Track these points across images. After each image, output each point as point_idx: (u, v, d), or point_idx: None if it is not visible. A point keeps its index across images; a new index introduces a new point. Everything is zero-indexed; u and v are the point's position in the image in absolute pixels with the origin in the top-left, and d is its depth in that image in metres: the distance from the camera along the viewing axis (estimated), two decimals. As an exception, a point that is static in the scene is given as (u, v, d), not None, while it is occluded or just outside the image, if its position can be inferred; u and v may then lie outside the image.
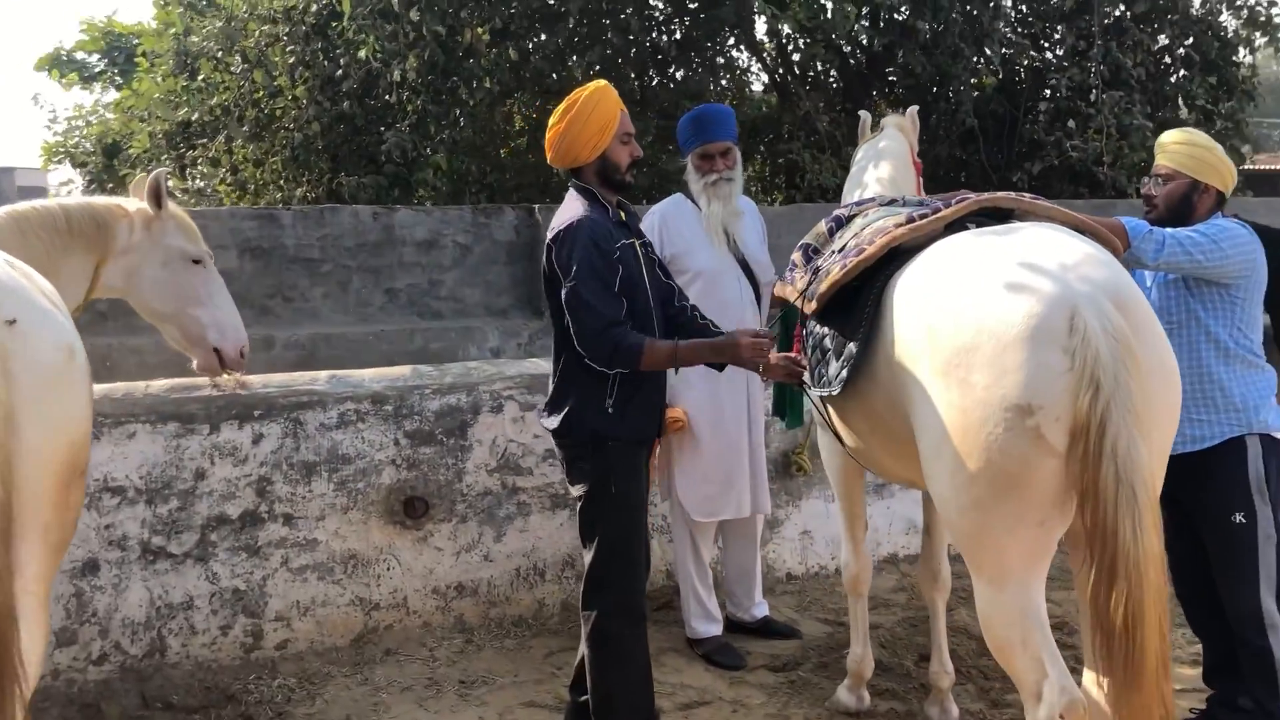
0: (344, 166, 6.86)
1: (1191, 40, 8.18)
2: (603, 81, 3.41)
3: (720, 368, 3.56)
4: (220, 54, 7.52)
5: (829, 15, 6.95)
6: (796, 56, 9.50)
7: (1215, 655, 3.64)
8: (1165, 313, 3.37)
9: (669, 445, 4.31)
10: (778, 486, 5.07)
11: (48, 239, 3.54)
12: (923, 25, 7.10)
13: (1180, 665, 4.18)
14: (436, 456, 4.53)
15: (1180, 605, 3.68)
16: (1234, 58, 8.40)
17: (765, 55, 10.01)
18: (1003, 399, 2.41)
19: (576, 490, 3.38)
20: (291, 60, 6.86)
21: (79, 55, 18.99)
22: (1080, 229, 2.95)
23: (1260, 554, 3.36)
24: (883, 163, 4.08)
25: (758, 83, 10.94)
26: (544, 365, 4.84)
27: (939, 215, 2.96)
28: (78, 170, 15.61)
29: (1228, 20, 8.37)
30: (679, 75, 9.69)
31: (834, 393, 3.05)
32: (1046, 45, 7.95)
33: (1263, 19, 8.31)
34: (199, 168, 8.49)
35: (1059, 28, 8.02)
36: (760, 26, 9.58)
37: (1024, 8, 7.65)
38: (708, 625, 4.46)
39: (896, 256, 2.98)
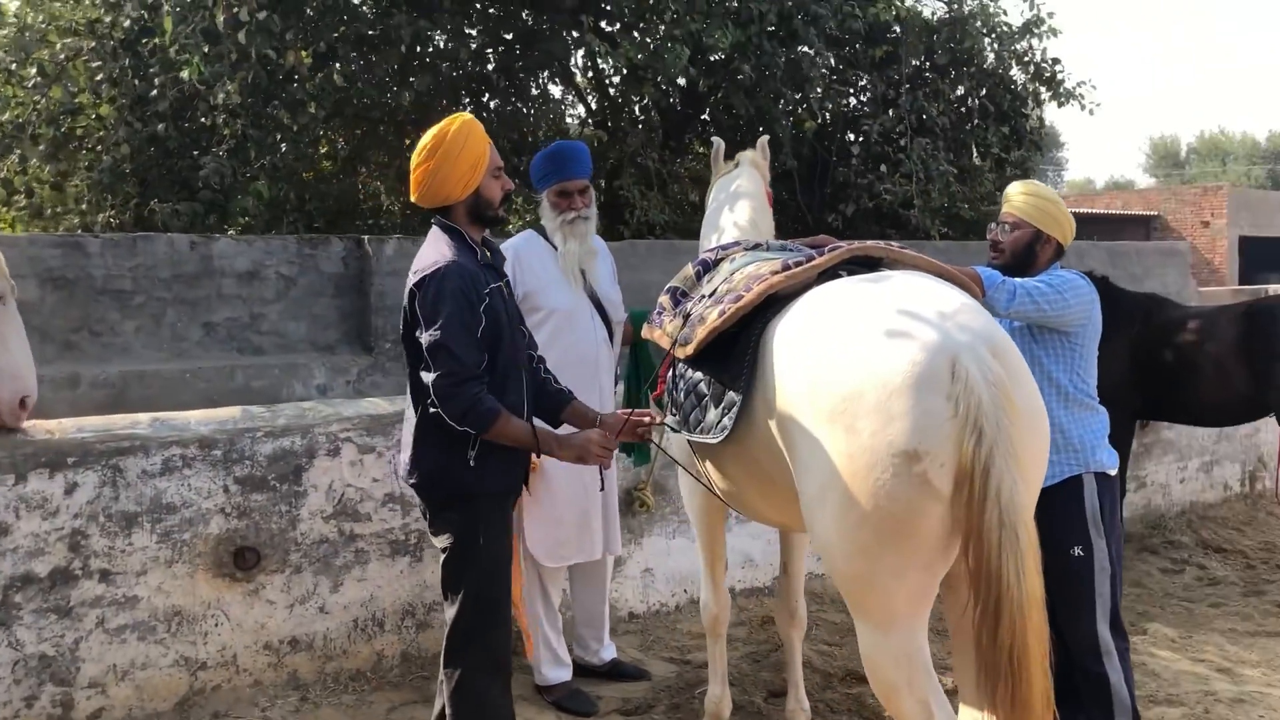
0: (155, 192, 6.39)
1: (985, 92, 8.76)
2: (466, 115, 3.30)
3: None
4: (14, 66, 6.89)
5: (663, 56, 7.05)
6: (612, 92, 9.61)
7: (1054, 682, 3.79)
8: None
9: (518, 489, 4.21)
10: (620, 524, 5.03)
11: None
12: (746, 68, 7.29)
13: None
14: (269, 503, 4.27)
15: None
16: (1024, 109, 9.05)
17: (584, 90, 10.08)
18: (889, 445, 2.44)
19: (440, 541, 3.24)
20: (99, 77, 6.35)
21: None
22: (944, 277, 3.05)
23: (1096, 585, 3.55)
24: (740, 204, 4.12)
25: (571, 117, 10.99)
26: (383, 405, 4.66)
27: (814, 264, 3.01)
28: None
29: (1018, 74, 9.02)
30: (493, 105, 9.61)
31: (715, 440, 3.03)
32: (855, 93, 8.31)
33: (1048, 75, 9.00)
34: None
35: (869, 75, 8.40)
36: (577, 62, 9.65)
37: (833, 57, 7.96)
38: (558, 671, 4.38)
39: (773, 303, 2.99)
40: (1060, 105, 9.11)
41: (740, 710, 4.30)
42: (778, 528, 3.63)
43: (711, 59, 7.05)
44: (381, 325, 5.55)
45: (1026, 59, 9.02)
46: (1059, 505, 3.50)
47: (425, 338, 3.03)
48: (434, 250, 3.18)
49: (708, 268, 3.55)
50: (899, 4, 8.59)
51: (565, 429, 3.41)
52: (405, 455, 3.26)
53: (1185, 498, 7.98)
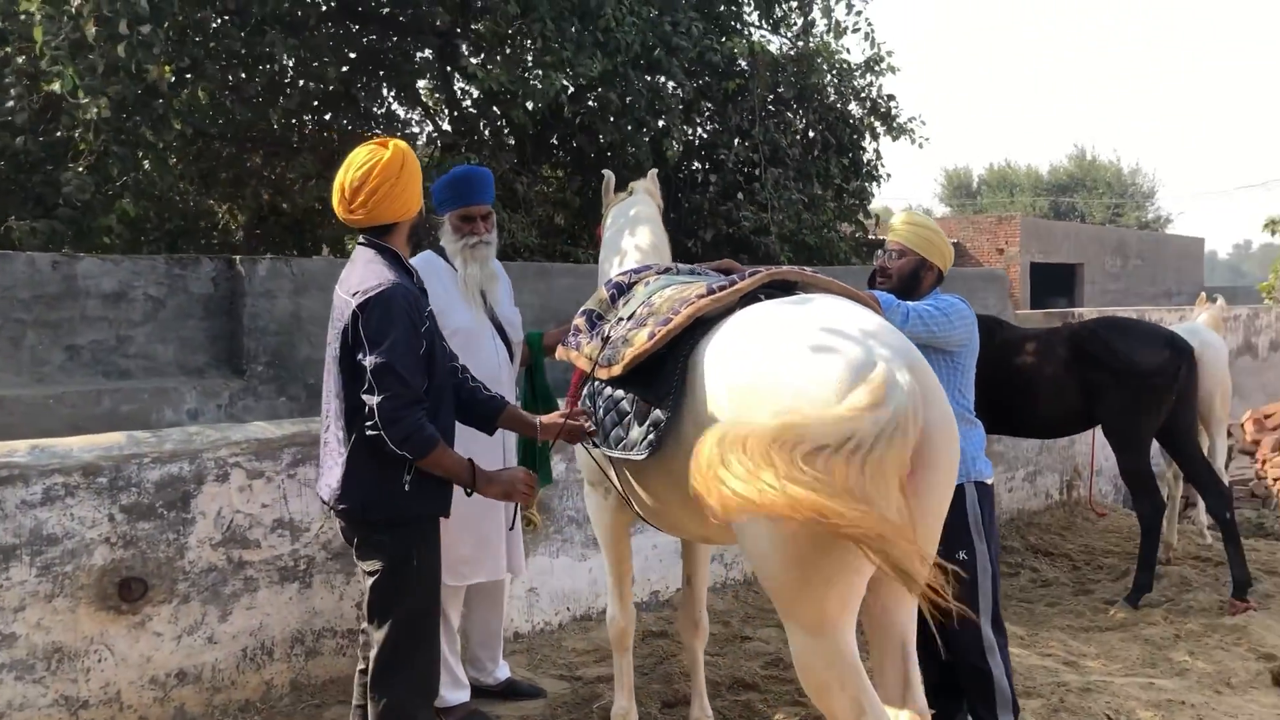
0: (10, 208, 5.99)
1: (826, 125, 9.21)
2: (400, 141, 3.32)
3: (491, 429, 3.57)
4: None
5: (532, 82, 7.15)
6: (464, 113, 9.61)
7: (937, 676, 4.05)
8: None
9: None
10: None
11: None
12: (612, 95, 7.46)
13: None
14: (156, 532, 4.13)
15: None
16: (861, 143, 9.56)
17: (434, 110, 10.06)
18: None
19: (369, 566, 3.20)
20: (-57, 86, 5.95)
21: None
22: (854, 300, 3.25)
23: (980, 586, 3.83)
24: (640, 228, 4.25)
25: (419, 136, 10.92)
26: (271, 429, 4.57)
27: (737, 288, 3.15)
28: None
29: (855, 109, 9.53)
30: (344, 123, 9.46)
31: (639, 457, 3.13)
32: (711, 123, 8.59)
33: (883, 110, 9.54)
34: None
35: (725, 107, 8.72)
36: (429, 82, 9.62)
37: (691, 87, 8.23)
38: (456, 693, 4.37)
39: (699, 325, 3.12)
40: (894, 139, 9.70)
41: (638, 721, 4.38)
42: (698, 540, 3.75)
43: (579, 85, 7.18)
44: (253, 348, 5.41)
45: (864, 95, 9.55)
46: None
47: (370, 360, 3.01)
48: (372, 271, 3.16)
49: (622, 291, 3.66)
50: (751, 40, 8.95)
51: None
52: (332, 480, 3.20)
53: (1013, 505, 8.57)
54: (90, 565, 3.96)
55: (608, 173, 4.62)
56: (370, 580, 3.21)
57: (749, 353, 2.86)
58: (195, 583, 4.23)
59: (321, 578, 4.59)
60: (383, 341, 3.01)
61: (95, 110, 5.26)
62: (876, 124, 9.56)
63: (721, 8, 8.95)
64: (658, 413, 3.08)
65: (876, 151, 9.69)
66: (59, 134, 5.85)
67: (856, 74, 9.63)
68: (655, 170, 4.64)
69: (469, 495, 3.29)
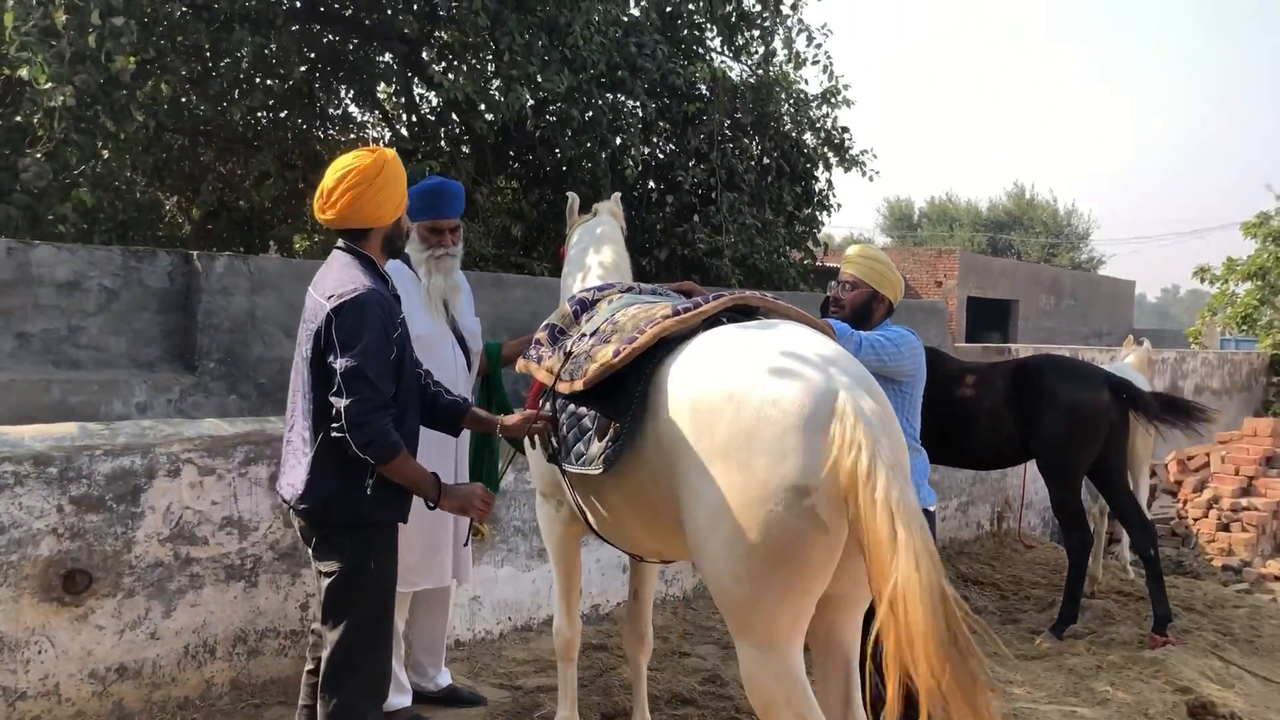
0: None
1: (780, 153, 9.39)
2: (389, 150, 3.37)
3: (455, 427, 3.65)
4: None
5: (495, 95, 7.22)
6: (421, 120, 9.63)
7: (870, 697, 4.15)
8: None
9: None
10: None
11: None
12: (575, 112, 7.54)
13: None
14: (104, 525, 4.11)
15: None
16: (814, 172, 9.75)
17: (392, 115, 10.07)
18: (782, 479, 2.67)
19: (326, 567, 3.23)
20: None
21: None
22: (812, 327, 3.35)
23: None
24: (604, 247, 4.33)
25: (375, 140, 10.89)
26: (224, 427, 4.57)
27: (701, 310, 3.24)
28: None
29: (810, 139, 9.72)
30: (299, 123, 9.43)
31: (596, 471, 3.19)
32: (669, 144, 8.71)
33: (837, 141, 9.75)
34: None
35: (683, 130, 8.84)
36: (388, 86, 9.63)
37: (652, 109, 8.34)
38: (399, 697, 4.38)
39: (662, 345, 3.20)
40: (846, 171, 9.90)
41: (578, 733, 4.44)
42: (650, 556, 3.82)
43: (542, 99, 7.25)
44: (207, 344, 5.39)
45: (819, 125, 9.75)
46: None
47: (341, 363, 3.04)
48: (347, 275, 3.20)
49: (585, 307, 3.73)
50: (713, 65, 9.10)
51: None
52: (294, 479, 3.23)
53: (945, 534, 8.76)
54: (36, 555, 3.93)
55: (572, 195, 4.71)
56: (327, 581, 3.23)
57: (712, 373, 2.93)
58: (141, 577, 4.21)
59: (267, 578, 4.59)
60: (354, 346, 3.05)
61: (61, 98, 5.21)
62: (830, 154, 9.77)
63: (685, 32, 9.10)
64: (617, 427, 3.15)
65: (829, 181, 9.92)
66: (18, 119, 5.79)
67: (813, 104, 9.83)
68: (619, 194, 4.74)
69: (431, 509, 3.33)
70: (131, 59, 5.48)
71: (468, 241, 7.92)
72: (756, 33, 9.66)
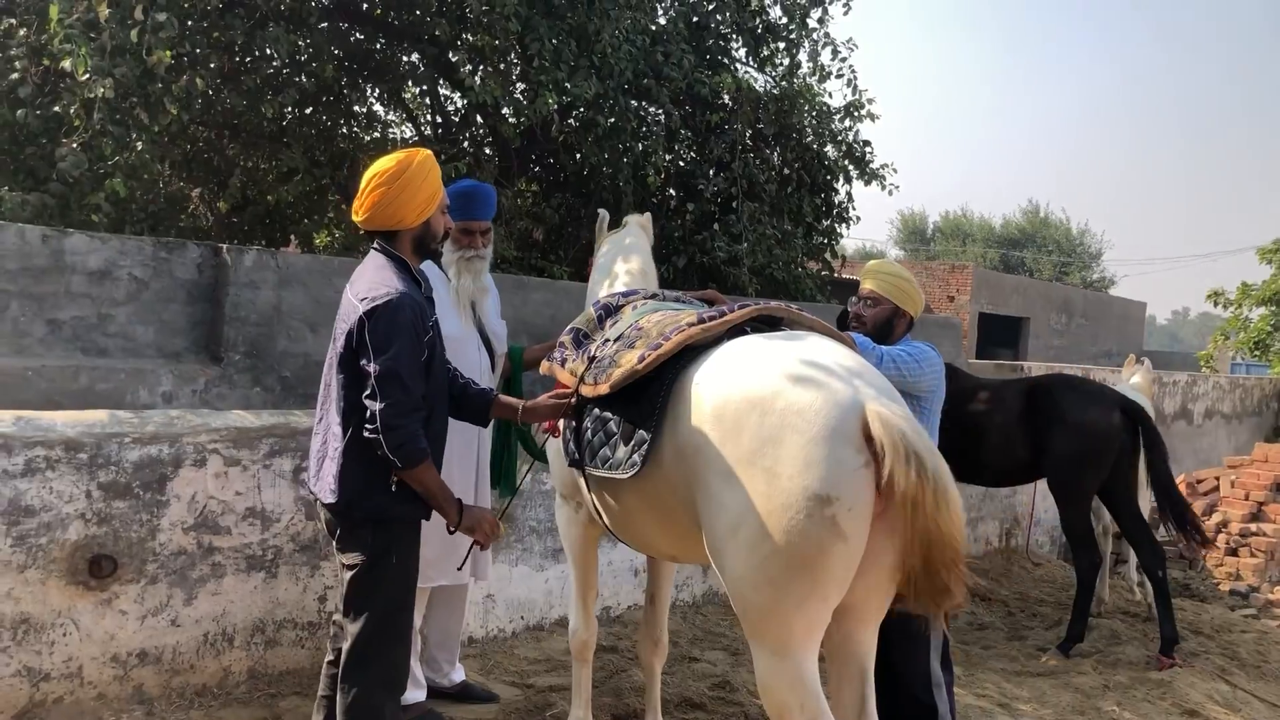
0: (2, 180, 5.94)
1: (801, 165, 9.45)
2: (426, 150, 3.43)
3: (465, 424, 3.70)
4: None
5: (522, 100, 7.29)
6: (449, 121, 9.68)
7: (882, 708, 4.20)
8: None
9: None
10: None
11: None
12: (601, 119, 7.61)
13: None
14: (131, 511, 4.18)
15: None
16: (834, 184, 9.80)
17: (417, 116, 10.15)
18: (805, 489, 2.71)
19: (350, 559, 3.29)
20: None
21: None
22: (835, 339, 3.41)
23: (932, 625, 3.98)
24: (633, 257, 4.40)
25: (395, 138, 10.95)
26: (250, 419, 4.64)
27: (726, 319, 3.29)
28: None
29: (830, 151, 9.77)
30: (324, 119, 9.49)
31: (624, 476, 3.23)
32: (692, 153, 8.76)
33: (858, 154, 9.80)
34: None
35: (706, 139, 8.90)
36: (412, 87, 9.67)
37: (676, 117, 8.39)
38: (414, 692, 4.45)
39: (686, 352, 3.25)
40: (866, 184, 9.96)
41: (589, 734, 4.48)
42: (667, 559, 3.86)
43: (569, 105, 7.30)
44: (233, 336, 5.45)
45: (840, 138, 9.81)
46: None
47: (375, 366, 3.10)
48: (381, 278, 3.26)
49: (610, 312, 3.79)
50: (737, 75, 9.16)
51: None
52: (327, 474, 3.29)
53: (955, 550, 8.76)
54: (64, 540, 4.00)
55: (602, 212, 4.80)
56: (349, 574, 3.29)
57: (737, 382, 2.97)
58: (164, 565, 4.28)
59: (287, 569, 4.66)
60: (387, 350, 3.10)
61: (100, 90, 5.29)
62: (850, 167, 9.82)
63: (711, 42, 9.16)
64: (642, 433, 3.19)
65: (849, 194, 9.97)
66: (56, 109, 5.85)
67: (835, 117, 9.89)
68: (649, 214, 4.82)
69: (451, 533, 3.42)
70: (168, 53, 5.55)
71: (494, 244, 7.99)
72: (782, 45, 9.72)
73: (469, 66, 7.05)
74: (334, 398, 3.30)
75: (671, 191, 9.29)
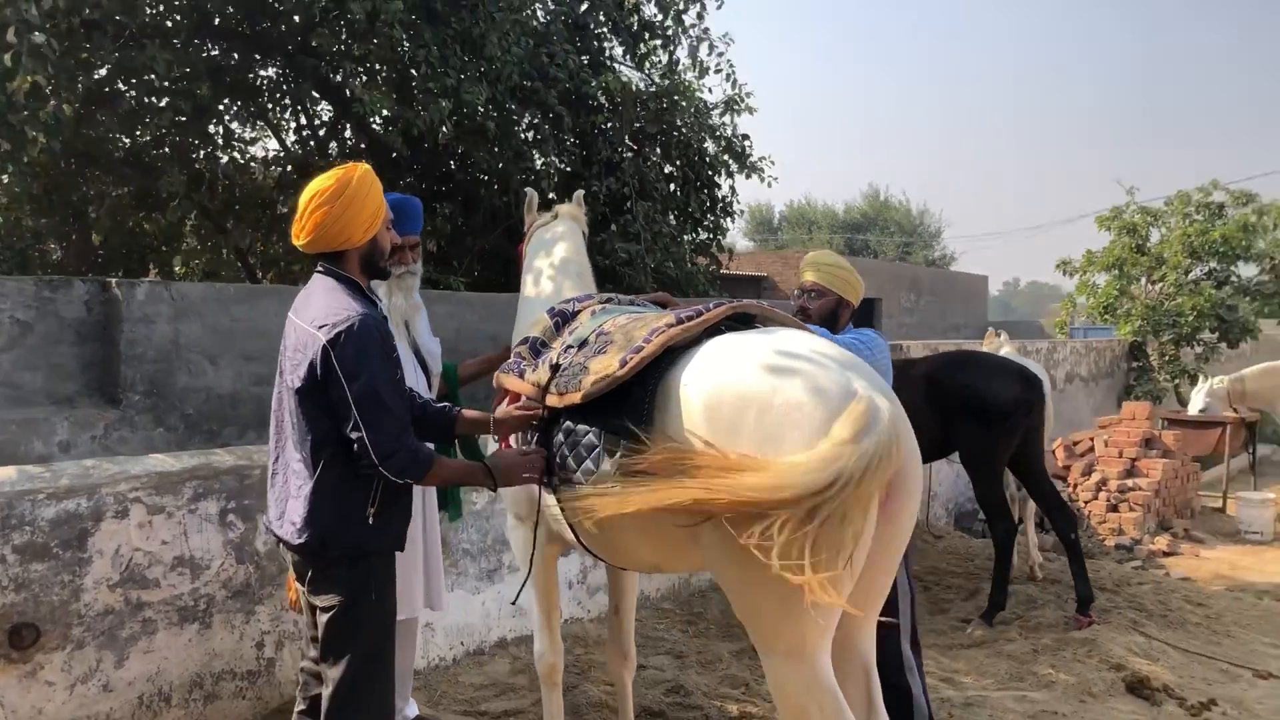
0: None
1: (683, 161, 9.45)
2: (364, 164, 3.25)
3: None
4: None
5: (425, 108, 7.06)
6: (313, 134, 9.35)
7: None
8: None
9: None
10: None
11: None
12: (491, 124, 7.43)
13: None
14: (50, 573, 3.86)
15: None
16: (717, 179, 9.84)
17: (280, 129, 9.73)
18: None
19: (325, 601, 3.10)
20: None
21: None
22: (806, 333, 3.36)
23: (900, 607, 4.01)
24: (566, 257, 4.26)
25: (259, 153, 10.50)
26: (170, 462, 4.35)
27: (704, 318, 3.20)
28: None
29: (711, 146, 9.81)
30: (178, 139, 8.99)
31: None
32: (582, 154, 8.64)
33: (738, 149, 9.87)
34: None
35: (595, 140, 8.81)
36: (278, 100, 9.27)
37: (568, 118, 8.26)
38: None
39: (665, 355, 3.15)
40: (747, 177, 10.04)
41: (558, 753, 4.34)
42: (648, 570, 3.76)
43: (460, 113, 7.09)
44: (130, 376, 5.11)
45: (718, 134, 9.85)
46: None
47: (352, 393, 2.91)
48: (335, 301, 3.07)
49: (566, 318, 3.66)
50: (616, 75, 9.11)
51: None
52: (291, 513, 3.08)
53: (862, 530, 8.91)
54: (-20, 611, 3.67)
55: (530, 191, 4.61)
56: (326, 616, 3.10)
57: (729, 380, 2.87)
58: (91, 627, 3.97)
59: (221, 618, 4.39)
60: (360, 374, 2.93)
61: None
62: (730, 161, 9.88)
63: (590, 43, 9.07)
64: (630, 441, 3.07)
65: (732, 188, 10.03)
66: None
67: (714, 112, 9.93)
68: (581, 192, 4.65)
69: (494, 491, 3.32)
70: (29, 78, 5.14)
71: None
72: (659, 42, 9.71)
73: (356, 79, 6.80)
74: (292, 434, 3.09)
75: (555, 196, 9.19)
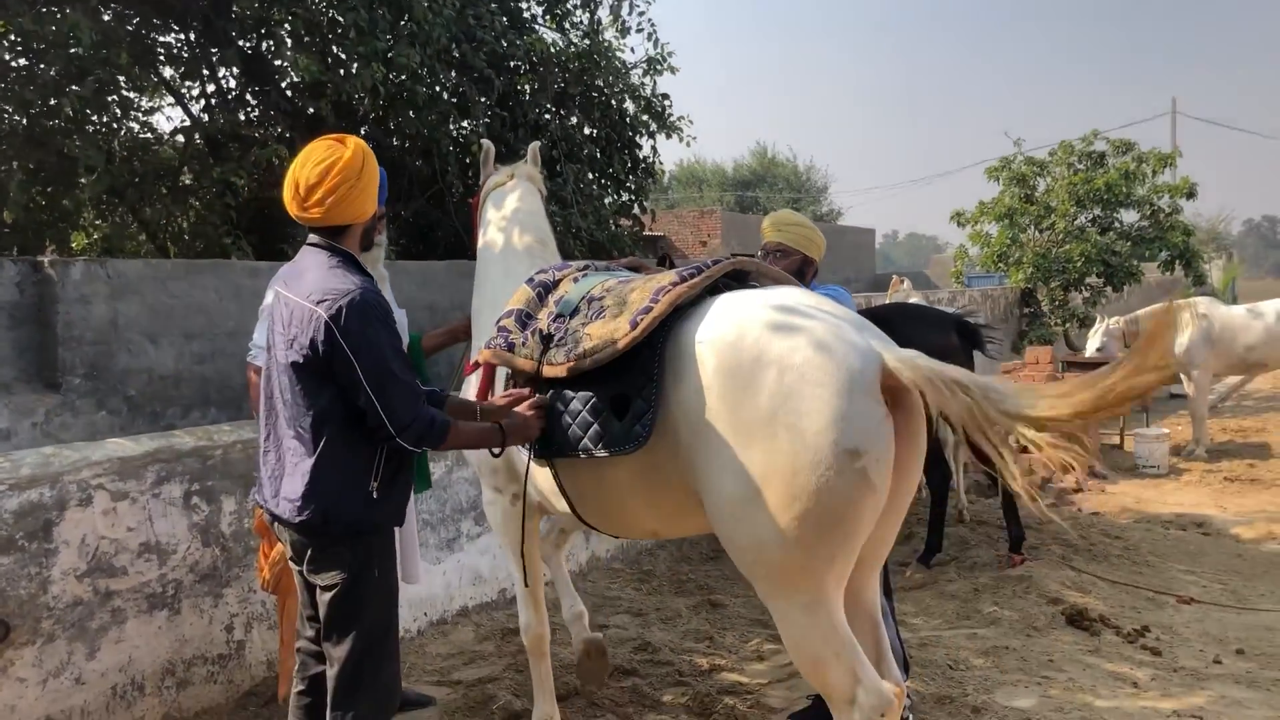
0: None
1: (606, 123, 9.38)
2: (352, 135, 3.18)
3: None
4: None
5: (352, 72, 6.86)
6: (221, 99, 8.97)
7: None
8: None
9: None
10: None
11: None
12: (420, 88, 7.26)
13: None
14: (17, 566, 3.74)
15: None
16: (638, 140, 9.81)
17: (185, 97, 9.32)
18: (834, 444, 2.70)
19: (327, 579, 3.05)
20: None
21: None
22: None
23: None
24: (527, 222, 4.22)
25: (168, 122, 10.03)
26: (131, 446, 4.23)
27: (706, 275, 3.23)
28: None
29: (631, 107, 9.76)
30: (85, 112, 8.55)
31: (632, 449, 3.07)
32: (511, 116, 8.46)
33: (658, 109, 9.85)
34: None
35: (522, 103, 8.67)
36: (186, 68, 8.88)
37: (496, 81, 8.08)
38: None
39: (671, 315, 3.14)
40: (667, 138, 10.04)
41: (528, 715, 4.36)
42: (645, 537, 3.77)
43: (390, 77, 6.90)
44: (69, 359, 4.92)
45: (639, 94, 9.81)
46: None
47: (361, 366, 2.87)
48: (334, 276, 3.00)
49: (549, 288, 3.63)
50: (537, 36, 8.98)
51: None
52: (289, 490, 3.01)
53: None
54: (-52, 610, 3.53)
55: (486, 143, 4.54)
56: (329, 595, 3.06)
57: (746, 339, 2.89)
58: (60, 619, 3.86)
59: (190, 603, 4.31)
60: (367, 347, 2.89)
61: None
62: (651, 122, 9.86)
63: (512, 3, 8.92)
64: (639, 403, 3.05)
65: (653, 149, 10.02)
66: None
67: (635, 72, 9.89)
68: (538, 144, 4.57)
69: (496, 455, 3.36)
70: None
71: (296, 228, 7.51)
72: (578, 2, 9.59)
73: (281, 44, 6.57)
74: (284, 410, 3.03)
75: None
